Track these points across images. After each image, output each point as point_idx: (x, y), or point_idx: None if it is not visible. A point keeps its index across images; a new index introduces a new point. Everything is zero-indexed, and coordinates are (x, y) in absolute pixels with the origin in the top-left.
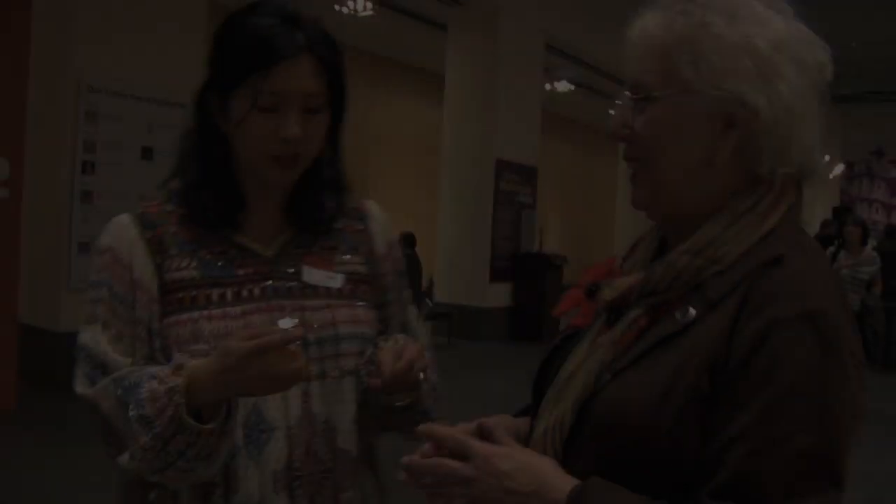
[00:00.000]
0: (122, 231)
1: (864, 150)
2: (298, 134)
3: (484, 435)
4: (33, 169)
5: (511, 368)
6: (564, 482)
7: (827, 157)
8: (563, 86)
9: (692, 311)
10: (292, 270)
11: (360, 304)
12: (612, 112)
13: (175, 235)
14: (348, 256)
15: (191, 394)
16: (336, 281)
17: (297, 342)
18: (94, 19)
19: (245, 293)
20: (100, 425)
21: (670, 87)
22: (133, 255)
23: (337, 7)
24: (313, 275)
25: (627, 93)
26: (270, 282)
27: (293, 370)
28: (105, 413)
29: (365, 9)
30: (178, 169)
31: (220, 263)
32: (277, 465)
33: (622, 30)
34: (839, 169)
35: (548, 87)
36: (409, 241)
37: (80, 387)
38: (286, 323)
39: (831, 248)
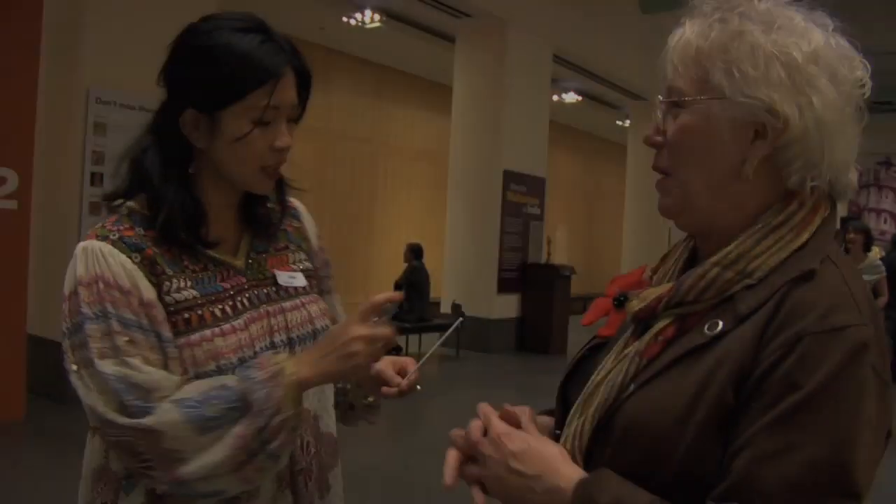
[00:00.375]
0: (108, 258)
1: (871, 160)
2: (290, 143)
3: (508, 419)
4: (42, 180)
5: (519, 380)
6: (571, 470)
7: None
8: (570, 97)
9: (721, 324)
10: (261, 276)
11: (317, 297)
12: (619, 123)
13: (162, 256)
14: (298, 254)
15: (294, 375)
16: (299, 280)
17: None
18: (103, 31)
19: (238, 305)
20: (147, 452)
21: (702, 94)
22: (135, 278)
23: (345, 18)
24: (283, 278)
25: (661, 98)
26: (250, 291)
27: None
28: (168, 435)
29: (373, 20)
30: (133, 188)
31: (207, 280)
32: (281, 465)
33: (629, 41)
34: None
35: (555, 98)
36: (416, 252)
37: (120, 419)
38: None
39: None
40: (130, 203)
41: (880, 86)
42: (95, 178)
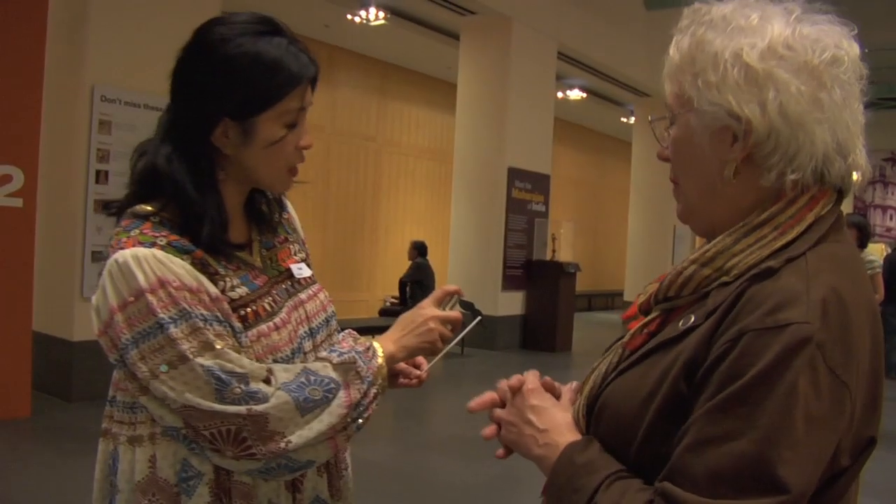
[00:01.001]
0: (166, 262)
1: (877, 156)
2: (312, 141)
3: (545, 384)
4: (47, 179)
5: None
6: (571, 435)
7: None
8: (575, 94)
9: (693, 319)
10: (275, 272)
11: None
12: (623, 120)
13: (209, 257)
14: (295, 245)
15: (384, 350)
16: (306, 270)
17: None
18: (108, 29)
19: (276, 300)
20: (252, 436)
21: (681, 107)
22: (198, 276)
23: (349, 16)
24: (295, 270)
25: (651, 118)
26: (277, 286)
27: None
28: (270, 419)
29: (377, 18)
30: (153, 194)
31: (246, 279)
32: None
33: (634, 38)
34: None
35: (560, 95)
36: (421, 249)
37: (227, 407)
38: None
39: None
40: (151, 208)
41: (885, 82)
42: (100, 176)
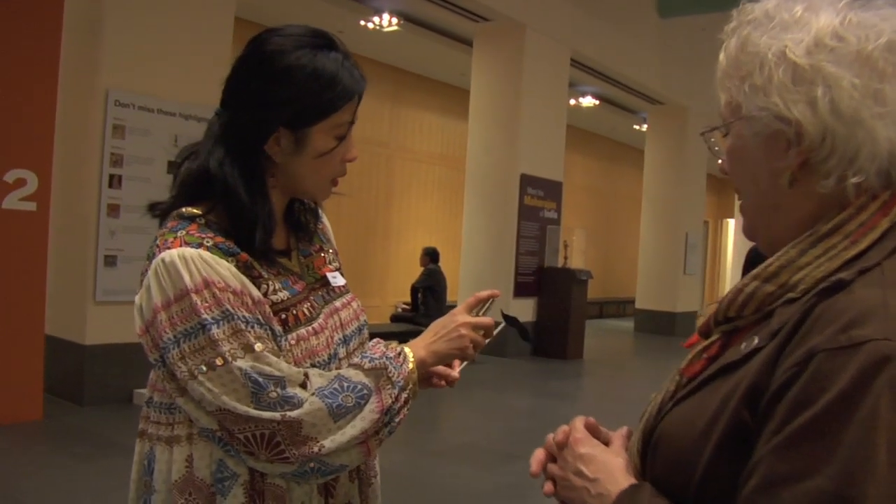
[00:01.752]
0: (212, 264)
1: None
2: (357, 153)
3: (590, 427)
4: (60, 182)
5: (534, 384)
6: (625, 480)
7: None
8: (587, 101)
9: (756, 341)
10: (312, 279)
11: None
12: (636, 127)
13: (253, 261)
14: (329, 254)
15: (416, 356)
16: (340, 278)
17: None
18: (122, 34)
19: (314, 306)
20: (286, 439)
21: (732, 115)
22: (242, 279)
23: (363, 22)
24: (331, 278)
25: (703, 130)
26: (314, 293)
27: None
28: (304, 425)
29: (390, 24)
30: (199, 197)
31: (286, 284)
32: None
33: (647, 46)
34: None
35: (572, 102)
36: (433, 256)
37: (261, 412)
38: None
39: None
40: (198, 211)
41: None
42: (114, 181)
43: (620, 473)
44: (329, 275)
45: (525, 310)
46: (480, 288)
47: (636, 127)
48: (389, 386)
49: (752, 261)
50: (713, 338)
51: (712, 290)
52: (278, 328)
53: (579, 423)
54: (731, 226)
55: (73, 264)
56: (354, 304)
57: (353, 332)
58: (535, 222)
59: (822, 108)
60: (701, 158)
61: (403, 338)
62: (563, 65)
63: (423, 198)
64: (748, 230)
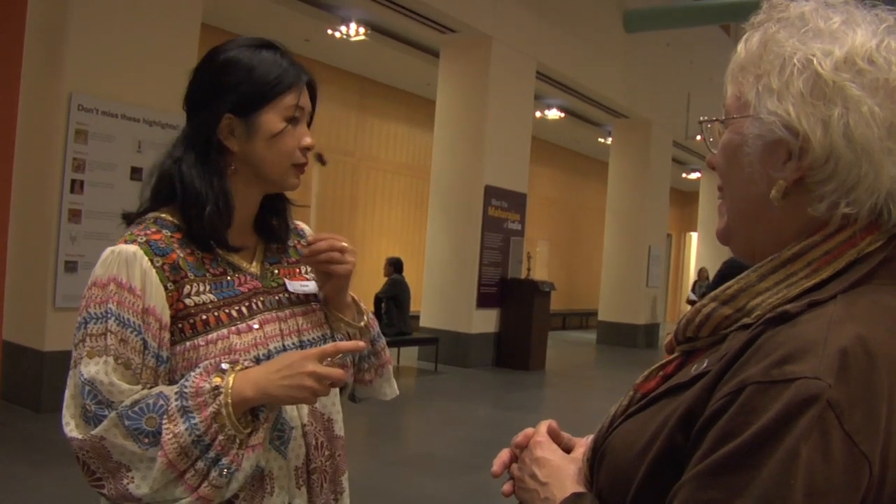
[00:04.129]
0: (131, 261)
1: None
2: (314, 142)
3: (552, 432)
4: (21, 187)
5: (496, 395)
6: (572, 487)
7: None
8: (553, 113)
9: (706, 364)
10: (274, 284)
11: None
12: (601, 140)
13: (185, 260)
14: (307, 271)
15: (235, 393)
16: (310, 287)
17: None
18: (87, 38)
19: (254, 307)
20: (98, 466)
21: (738, 111)
22: (146, 283)
23: (329, 31)
24: (294, 286)
25: (702, 119)
26: (265, 296)
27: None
28: (110, 449)
29: (357, 33)
30: (162, 199)
31: (225, 284)
32: (298, 462)
33: (612, 59)
34: None
35: (538, 114)
36: (396, 266)
37: (77, 430)
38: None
39: None
40: (155, 213)
41: None
42: (76, 186)
43: (570, 480)
44: (295, 282)
45: (488, 321)
46: (444, 298)
47: (601, 140)
48: (184, 419)
49: (724, 274)
50: (673, 355)
51: (675, 303)
52: (154, 344)
53: (543, 427)
54: (695, 239)
55: (32, 269)
56: (322, 315)
57: (315, 338)
58: (499, 233)
59: (834, 129)
60: (665, 172)
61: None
62: (528, 77)
63: (388, 207)
64: (724, 232)
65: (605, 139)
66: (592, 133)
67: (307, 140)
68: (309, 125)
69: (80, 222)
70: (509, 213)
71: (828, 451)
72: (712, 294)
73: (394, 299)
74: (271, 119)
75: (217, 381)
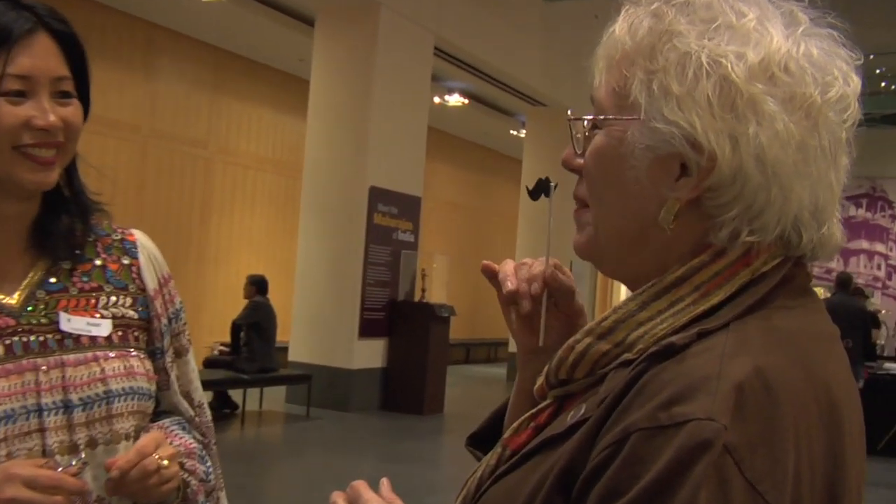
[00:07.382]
0: None
1: None
2: (55, 122)
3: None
4: None
5: (383, 445)
6: None
7: None
8: (454, 99)
9: (584, 409)
10: (45, 320)
11: (134, 353)
12: (513, 132)
13: None
14: (115, 298)
15: None
16: (102, 328)
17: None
18: None
19: None
20: None
21: (620, 111)
22: None
23: None
24: (73, 322)
25: (570, 113)
26: (17, 337)
27: None
28: None
29: None
30: None
31: None
32: None
33: (528, 34)
34: None
35: (436, 100)
36: (259, 286)
37: None
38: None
39: None
40: None
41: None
42: None
43: None
44: (79, 319)
45: (373, 353)
46: (319, 326)
47: (513, 132)
48: None
49: None
50: (545, 403)
51: None
52: None
53: (363, 488)
54: None
55: None
56: (110, 366)
57: (87, 398)
58: (387, 246)
59: (745, 148)
60: None
61: (222, 386)
62: (425, 54)
63: (250, 213)
64: (588, 248)
65: (518, 131)
66: (503, 124)
67: (41, 120)
68: (85, 96)
69: None
70: (400, 221)
71: (728, 501)
72: (587, 328)
73: (255, 327)
74: None
75: None
